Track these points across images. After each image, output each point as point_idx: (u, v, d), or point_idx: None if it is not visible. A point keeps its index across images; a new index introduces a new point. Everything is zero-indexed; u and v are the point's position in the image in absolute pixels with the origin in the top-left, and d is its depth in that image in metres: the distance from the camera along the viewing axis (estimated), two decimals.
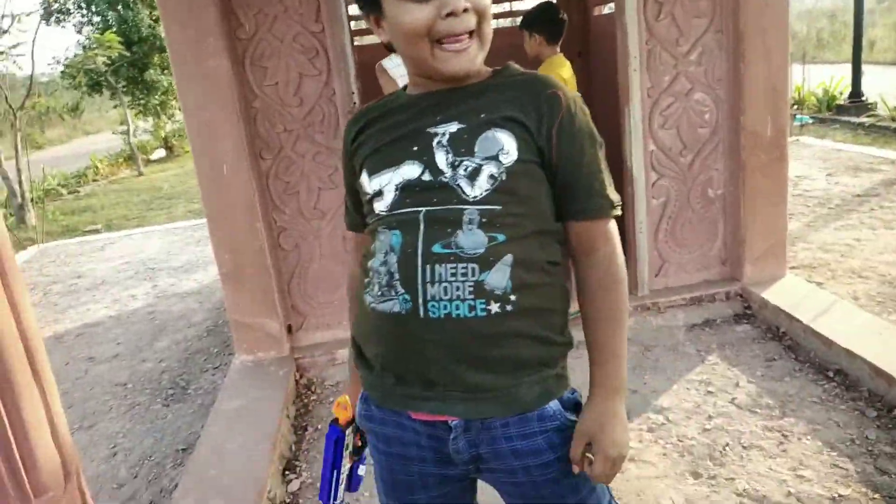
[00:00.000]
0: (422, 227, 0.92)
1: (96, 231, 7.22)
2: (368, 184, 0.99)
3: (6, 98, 8.26)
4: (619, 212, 0.99)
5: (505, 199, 0.92)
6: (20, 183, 7.84)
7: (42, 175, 9.80)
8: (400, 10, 0.91)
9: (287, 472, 2.31)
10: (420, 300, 0.90)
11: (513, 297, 0.91)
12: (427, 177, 0.94)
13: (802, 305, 2.80)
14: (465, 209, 0.92)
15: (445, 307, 0.90)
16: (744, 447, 2.15)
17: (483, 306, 0.90)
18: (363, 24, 4.29)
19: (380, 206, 0.97)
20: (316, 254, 2.93)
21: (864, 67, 8.33)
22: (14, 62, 8.20)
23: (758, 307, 3.00)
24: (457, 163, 0.93)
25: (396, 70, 2.90)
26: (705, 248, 3.11)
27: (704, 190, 3.05)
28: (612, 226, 0.99)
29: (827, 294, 3.02)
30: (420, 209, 0.93)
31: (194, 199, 7.88)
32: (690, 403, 2.41)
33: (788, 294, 2.94)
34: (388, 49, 1.34)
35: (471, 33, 0.93)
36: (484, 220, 0.91)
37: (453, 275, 0.90)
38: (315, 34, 2.75)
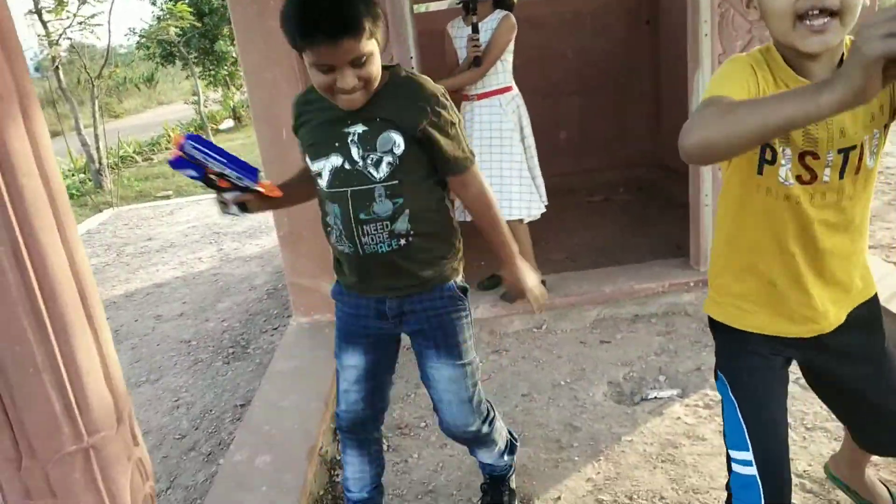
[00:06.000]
0: (350, 202, 1.37)
1: (167, 196, 7.50)
2: (312, 165, 1.41)
3: (85, 67, 8.60)
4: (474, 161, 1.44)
5: (400, 176, 1.36)
6: (98, 150, 8.19)
7: (118, 143, 10.22)
8: None
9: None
10: (358, 246, 1.41)
11: (412, 233, 1.40)
12: (347, 165, 1.36)
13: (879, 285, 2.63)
14: (375, 187, 1.36)
15: (372, 248, 1.40)
16: (807, 428, 2.05)
17: (395, 242, 1.40)
18: None
19: (321, 184, 1.41)
20: None
21: None
22: (92, 32, 8.45)
23: None
24: (365, 155, 1.35)
25: (459, 41, 2.85)
26: None
27: None
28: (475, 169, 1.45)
29: None
30: (346, 189, 1.37)
31: (260, 167, 8.04)
32: None
33: None
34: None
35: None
36: (388, 192, 1.36)
37: (374, 230, 1.38)
38: None
